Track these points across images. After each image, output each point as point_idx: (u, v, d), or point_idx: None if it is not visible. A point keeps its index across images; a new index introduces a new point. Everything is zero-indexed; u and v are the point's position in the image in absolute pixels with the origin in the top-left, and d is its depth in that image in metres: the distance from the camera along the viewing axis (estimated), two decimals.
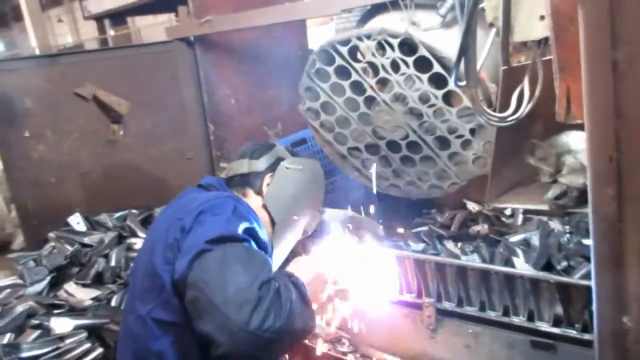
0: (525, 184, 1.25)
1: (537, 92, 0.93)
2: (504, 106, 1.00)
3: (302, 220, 1.64)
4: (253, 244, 1.30)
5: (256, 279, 1.17)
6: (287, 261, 1.71)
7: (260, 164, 1.59)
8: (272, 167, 1.60)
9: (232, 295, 1.13)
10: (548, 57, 0.88)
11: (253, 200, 1.56)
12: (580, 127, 0.96)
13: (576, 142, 1.13)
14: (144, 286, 1.38)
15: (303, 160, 1.67)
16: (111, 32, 12.01)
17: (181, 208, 1.39)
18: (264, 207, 1.55)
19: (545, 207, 1.10)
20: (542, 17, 0.84)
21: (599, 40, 0.62)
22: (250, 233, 1.31)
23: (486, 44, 0.97)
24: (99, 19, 9.26)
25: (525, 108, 0.94)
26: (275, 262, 1.59)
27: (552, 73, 0.84)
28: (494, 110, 1.67)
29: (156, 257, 1.34)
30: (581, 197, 1.02)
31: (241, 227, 1.28)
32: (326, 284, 1.50)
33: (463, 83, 0.94)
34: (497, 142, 1.11)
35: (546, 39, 0.86)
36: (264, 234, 1.41)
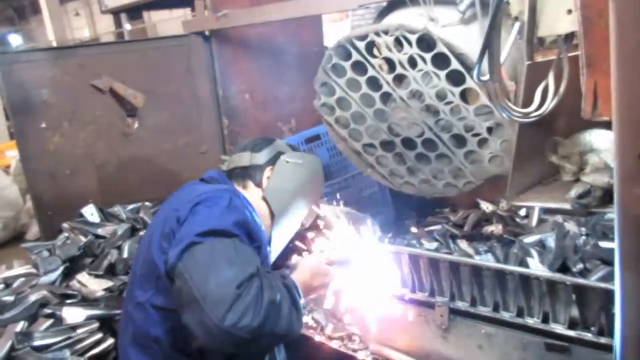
0: (545, 183, 1.23)
1: (562, 88, 0.91)
2: (527, 102, 0.99)
3: (300, 213, 1.69)
4: (245, 238, 1.32)
5: (237, 277, 1.18)
6: (285, 253, 1.74)
7: (261, 157, 1.64)
8: (273, 161, 1.65)
9: (212, 291, 1.15)
10: (574, 54, 0.86)
11: (253, 192, 1.60)
12: (604, 124, 0.94)
13: (599, 140, 1.11)
14: (143, 274, 1.42)
15: (303, 155, 1.73)
16: (127, 27, 12.10)
17: (179, 200, 1.43)
18: (264, 199, 1.59)
19: (567, 206, 1.07)
20: (570, 12, 0.82)
21: (631, 35, 0.60)
22: (244, 226, 1.33)
23: (508, 39, 0.95)
24: (115, 13, 9.33)
25: (550, 104, 0.92)
26: (274, 253, 1.63)
27: (576, 69, 0.82)
28: None
29: (154, 247, 1.38)
30: (605, 197, 1.00)
31: (234, 221, 1.30)
32: (328, 280, 1.51)
33: (486, 78, 0.92)
34: (519, 140, 1.09)
35: (572, 34, 0.85)
36: (259, 227, 1.44)
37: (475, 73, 0.90)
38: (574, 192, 1.03)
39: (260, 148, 1.66)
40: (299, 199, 1.65)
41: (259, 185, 1.61)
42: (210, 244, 1.24)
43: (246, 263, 1.24)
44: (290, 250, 1.81)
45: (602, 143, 1.12)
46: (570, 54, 0.90)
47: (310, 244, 1.82)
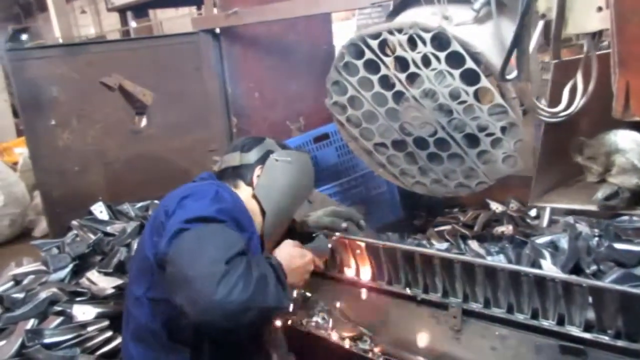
0: (568, 184, 1.21)
1: (590, 87, 0.89)
2: (554, 101, 0.97)
3: (291, 209, 1.73)
4: (232, 225, 1.36)
5: (226, 254, 1.23)
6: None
7: (251, 156, 1.69)
8: (262, 160, 1.69)
9: (201, 268, 1.19)
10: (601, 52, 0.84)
11: (244, 191, 1.64)
12: (629, 124, 0.92)
13: (624, 141, 1.09)
14: (138, 270, 1.48)
15: (292, 152, 1.76)
16: (133, 24, 12.10)
17: (169, 197, 1.48)
18: (254, 197, 1.63)
19: (592, 208, 1.06)
20: (600, 9, 0.81)
21: None
22: (230, 214, 1.37)
23: (534, 36, 0.93)
24: (121, 10, 9.33)
25: (579, 103, 0.91)
26: (267, 249, 1.66)
27: (604, 68, 0.81)
28: (527, 109, 1.64)
29: (146, 242, 1.44)
30: (633, 198, 0.99)
31: (218, 208, 1.35)
32: (308, 266, 1.59)
33: (511, 76, 0.90)
34: (544, 139, 1.08)
35: (600, 33, 0.83)
36: (250, 218, 1.50)
37: (500, 71, 0.88)
38: (601, 194, 1.02)
39: (250, 147, 1.71)
40: (289, 195, 1.69)
41: (249, 184, 1.66)
42: (197, 229, 1.28)
43: (233, 241, 1.29)
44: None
45: (627, 143, 1.10)
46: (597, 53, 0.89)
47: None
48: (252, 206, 1.62)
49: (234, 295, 1.17)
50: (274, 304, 1.29)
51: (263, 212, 1.64)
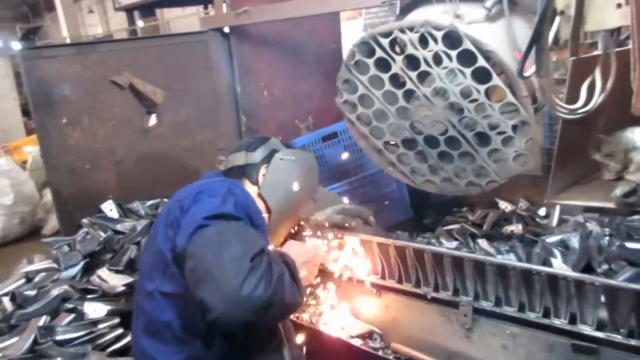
0: (584, 181, 1.20)
1: (609, 84, 0.89)
2: (572, 98, 0.97)
3: (296, 207, 1.76)
4: (248, 222, 1.39)
5: (250, 251, 1.26)
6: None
7: (256, 155, 1.71)
8: (267, 159, 1.71)
9: (227, 264, 1.22)
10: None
11: (250, 190, 1.66)
12: None
13: None
14: (150, 265, 1.49)
15: (296, 151, 1.78)
16: (140, 24, 12.14)
17: (181, 192, 1.50)
18: (260, 196, 1.67)
19: (610, 205, 1.06)
20: (619, 5, 0.80)
21: None
22: (245, 209, 1.41)
23: (550, 33, 0.93)
24: (128, 10, 9.37)
25: (597, 100, 0.91)
26: (273, 246, 1.70)
27: (623, 65, 0.80)
28: (538, 107, 1.63)
29: (159, 237, 1.46)
30: None
31: (235, 203, 1.38)
32: (315, 261, 1.64)
33: (528, 73, 0.90)
34: (561, 137, 1.07)
35: (619, 30, 0.83)
36: (260, 212, 1.53)
37: (518, 68, 0.88)
38: (619, 191, 1.01)
39: (255, 147, 1.73)
40: (293, 194, 1.72)
41: (254, 183, 1.68)
42: (218, 225, 1.31)
43: (254, 239, 1.34)
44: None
45: None
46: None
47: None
48: (259, 205, 1.63)
49: (258, 291, 1.20)
50: (291, 300, 1.34)
51: (269, 211, 1.67)
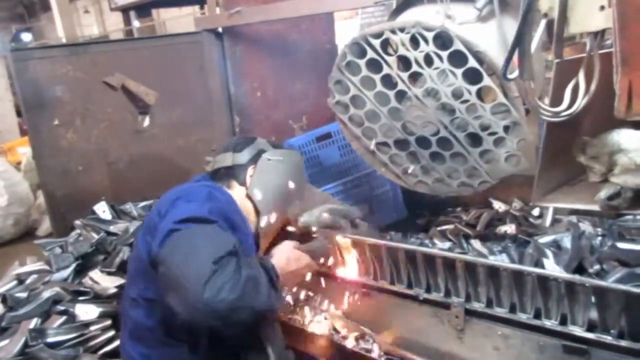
0: (570, 184, 1.20)
1: (592, 87, 0.89)
2: (556, 101, 0.97)
3: (284, 207, 1.74)
4: (224, 225, 1.37)
5: (215, 254, 1.23)
6: (272, 247, 1.77)
7: (243, 156, 1.69)
8: (254, 159, 1.70)
9: (190, 268, 1.21)
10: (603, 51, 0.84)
11: (238, 191, 1.65)
12: (632, 124, 0.92)
13: (627, 140, 1.08)
14: (134, 271, 1.50)
15: (284, 151, 1.77)
16: (136, 24, 12.11)
17: (162, 198, 1.49)
18: (248, 197, 1.65)
19: (595, 208, 1.05)
20: (602, 8, 0.80)
21: None
22: (221, 214, 1.39)
23: (536, 35, 0.93)
24: (124, 10, 9.34)
25: (581, 102, 0.90)
26: (262, 247, 1.69)
27: (607, 67, 0.80)
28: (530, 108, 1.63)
29: (140, 243, 1.46)
30: (636, 198, 0.98)
31: (210, 208, 1.37)
32: (304, 270, 1.62)
33: (513, 76, 0.90)
34: (546, 139, 1.07)
35: (603, 32, 0.82)
36: (243, 218, 1.53)
37: (503, 70, 0.88)
38: (604, 193, 1.01)
39: (242, 147, 1.72)
40: (281, 194, 1.71)
41: (242, 183, 1.67)
42: (189, 229, 1.30)
43: (223, 242, 1.30)
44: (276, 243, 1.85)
45: (630, 143, 1.09)
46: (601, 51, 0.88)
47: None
48: (247, 206, 1.64)
49: (221, 295, 1.18)
50: (263, 305, 1.30)
51: (257, 211, 1.66)
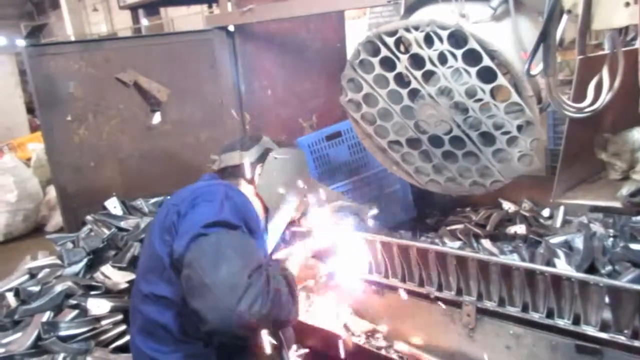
0: (590, 181, 1.20)
1: (616, 83, 0.89)
2: (578, 97, 0.96)
3: (291, 205, 1.78)
4: (245, 229, 1.39)
5: (247, 266, 1.26)
6: (279, 244, 1.85)
7: (251, 155, 1.71)
8: (262, 158, 1.72)
9: (224, 278, 1.22)
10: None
11: (245, 189, 1.67)
12: None
13: None
14: (147, 267, 1.50)
15: (289, 150, 1.81)
16: (145, 22, 12.17)
17: (178, 196, 1.50)
18: (257, 195, 1.68)
19: (616, 205, 1.05)
20: (628, 4, 0.80)
21: None
22: (242, 214, 1.41)
23: (557, 31, 0.93)
24: (133, 8, 9.39)
25: (604, 99, 0.90)
26: (270, 244, 1.74)
27: (631, 63, 0.80)
28: (543, 107, 1.63)
29: (155, 241, 1.45)
30: None
31: (231, 209, 1.39)
32: (314, 272, 1.68)
33: (535, 72, 0.90)
34: (567, 136, 1.07)
35: (627, 28, 0.82)
36: (257, 216, 1.56)
37: (526, 67, 0.88)
38: (625, 190, 1.01)
39: (249, 146, 1.73)
40: (288, 191, 1.75)
41: (250, 182, 1.69)
42: (216, 235, 1.30)
43: (252, 254, 1.33)
44: (282, 240, 1.91)
45: None
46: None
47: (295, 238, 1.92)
48: (255, 204, 1.66)
49: (254, 309, 1.21)
50: (286, 316, 1.36)
51: (266, 209, 1.70)
